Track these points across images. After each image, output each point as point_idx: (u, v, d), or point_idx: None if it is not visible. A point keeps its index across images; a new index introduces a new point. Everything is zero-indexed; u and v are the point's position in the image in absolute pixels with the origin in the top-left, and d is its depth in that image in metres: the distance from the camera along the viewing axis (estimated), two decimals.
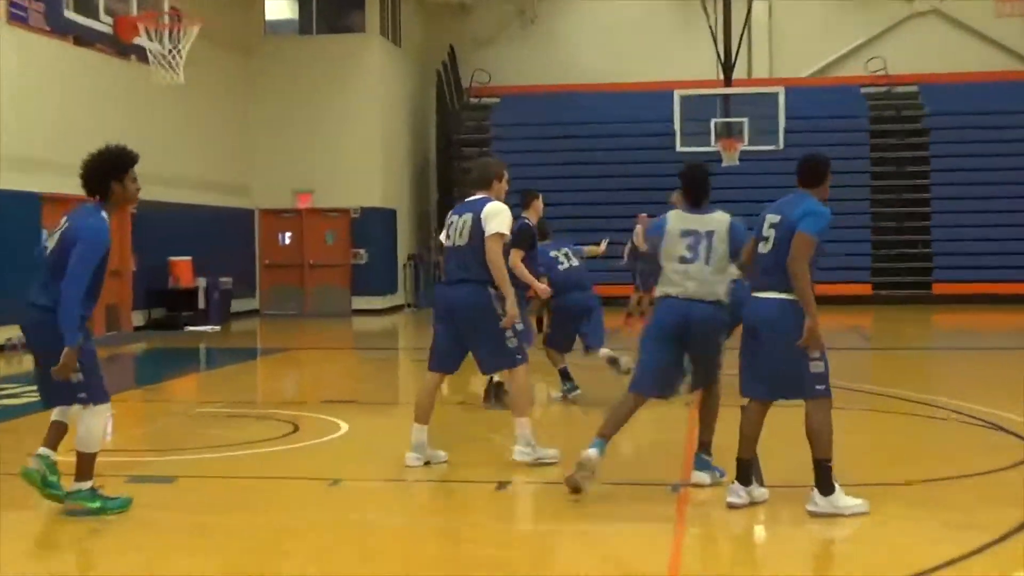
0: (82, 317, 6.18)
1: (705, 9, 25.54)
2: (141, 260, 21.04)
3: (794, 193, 6.66)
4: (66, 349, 6.04)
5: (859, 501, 6.30)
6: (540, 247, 11.00)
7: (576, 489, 6.67)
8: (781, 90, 23.35)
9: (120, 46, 13.89)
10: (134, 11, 12.56)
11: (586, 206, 26.99)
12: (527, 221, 10.63)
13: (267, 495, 7.33)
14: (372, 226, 26.69)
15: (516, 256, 9.72)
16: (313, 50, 26.61)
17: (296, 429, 9.66)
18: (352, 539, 6.22)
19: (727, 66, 25.23)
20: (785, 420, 6.86)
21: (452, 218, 8.02)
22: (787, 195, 6.69)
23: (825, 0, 30.13)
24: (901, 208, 27.74)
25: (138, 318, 21.17)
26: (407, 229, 28.89)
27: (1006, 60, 29.74)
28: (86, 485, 6.37)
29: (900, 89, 29.38)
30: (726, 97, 24.14)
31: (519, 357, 7.83)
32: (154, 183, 21.31)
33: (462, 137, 29.87)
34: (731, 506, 6.50)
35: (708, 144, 23.06)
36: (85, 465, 6.38)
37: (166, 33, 13.18)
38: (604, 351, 11.17)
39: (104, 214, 6.33)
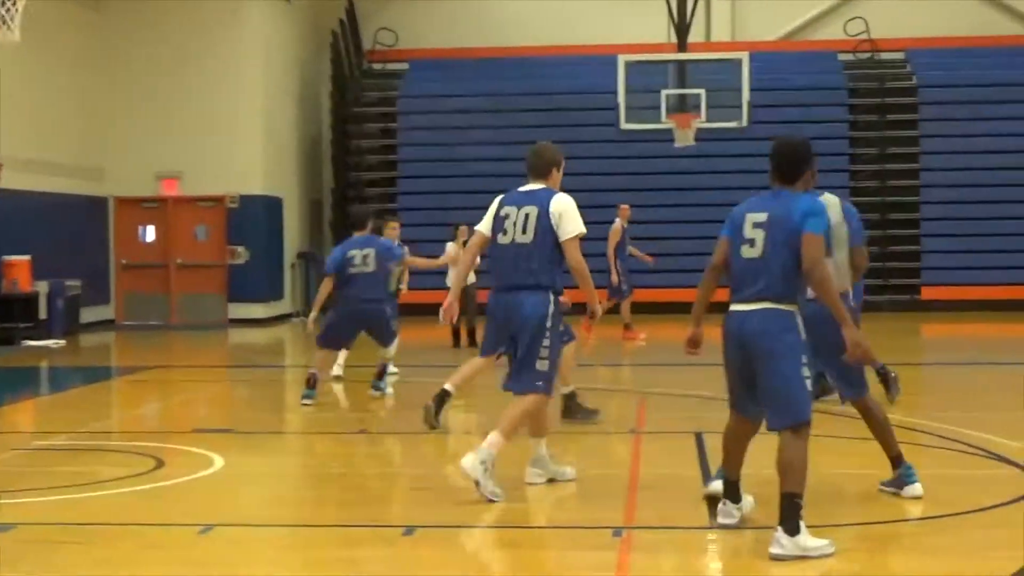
0: None
1: None
2: None
3: (773, 191, 6.84)
4: None
5: (825, 542, 6.43)
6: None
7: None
8: (745, 56, 23.56)
9: None
10: None
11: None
12: None
13: (124, 546, 7.22)
14: (253, 218, 26.53)
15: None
16: (182, 5, 26.35)
17: (160, 465, 9.57)
18: None
19: (681, 28, 25.42)
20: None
21: (507, 209, 8.29)
22: (765, 192, 6.90)
23: None
24: (885, 197, 28.11)
25: None
26: (295, 222, 28.78)
27: (1007, 22, 30.27)
28: None
29: (884, 56, 29.76)
30: (680, 64, 24.31)
31: (540, 384, 8.12)
32: None
33: (362, 110, 29.80)
34: (723, 527, 6.86)
35: (658, 120, 23.23)
36: None
37: None
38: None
39: None
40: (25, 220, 22.04)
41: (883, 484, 7.97)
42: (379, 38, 30.46)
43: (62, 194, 24.10)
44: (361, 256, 13.08)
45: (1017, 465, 8.99)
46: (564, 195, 8.31)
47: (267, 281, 26.88)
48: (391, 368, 14.22)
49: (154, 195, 26.48)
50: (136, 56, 25.95)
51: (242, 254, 26.51)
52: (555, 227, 8.04)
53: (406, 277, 16.41)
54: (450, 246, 19.78)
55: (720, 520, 6.90)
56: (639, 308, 21.51)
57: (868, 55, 29.78)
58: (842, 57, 29.79)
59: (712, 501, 7.26)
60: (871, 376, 8.75)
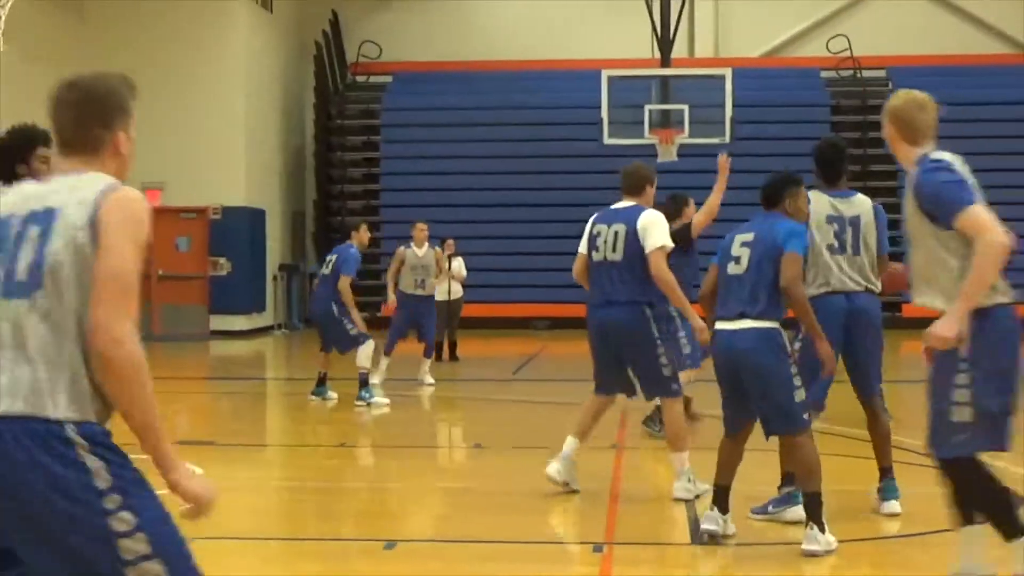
0: None
1: None
2: None
3: (763, 214, 7.18)
4: None
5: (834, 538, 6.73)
6: None
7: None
8: (728, 73, 23.63)
9: None
10: None
11: (497, 208, 27.13)
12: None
13: None
14: (235, 230, 26.48)
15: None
16: (164, 15, 26.32)
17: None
18: None
19: (665, 43, 25.49)
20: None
21: (598, 227, 8.52)
22: (756, 215, 7.21)
23: None
24: None
25: None
26: (278, 234, 28.76)
27: (988, 41, 30.48)
28: None
29: (867, 73, 29.89)
30: (663, 80, 24.38)
31: (675, 387, 8.45)
32: None
33: (345, 123, 29.82)
34: (708, 533, 6.91)
35: (641, 135, 23.26)
36: None
37: None
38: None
39: None
40: None
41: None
42: (363, 50, 30.48)
43: None
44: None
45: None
46: (653, 211, 8.51)
47: (249, 293, 26.84)
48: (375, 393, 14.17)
49: None
50: (118, 65, 25.69)
51: (224, 265, 26.47)
52: (641, 242, 8.20)
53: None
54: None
55: (704, 526, 6.97)
56: None
57: (850, 72, 29.91)
58: (825, 74, 29.93)
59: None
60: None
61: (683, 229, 11.06)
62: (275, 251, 28.41)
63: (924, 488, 9.26)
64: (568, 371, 16.22)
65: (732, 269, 6.95)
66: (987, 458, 5.57)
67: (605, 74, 23.67)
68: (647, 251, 8.20)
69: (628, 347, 8.33)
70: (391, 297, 16.43)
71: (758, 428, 7.01)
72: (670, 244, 8.36)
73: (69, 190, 3.46)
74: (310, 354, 23.19)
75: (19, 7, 13.03)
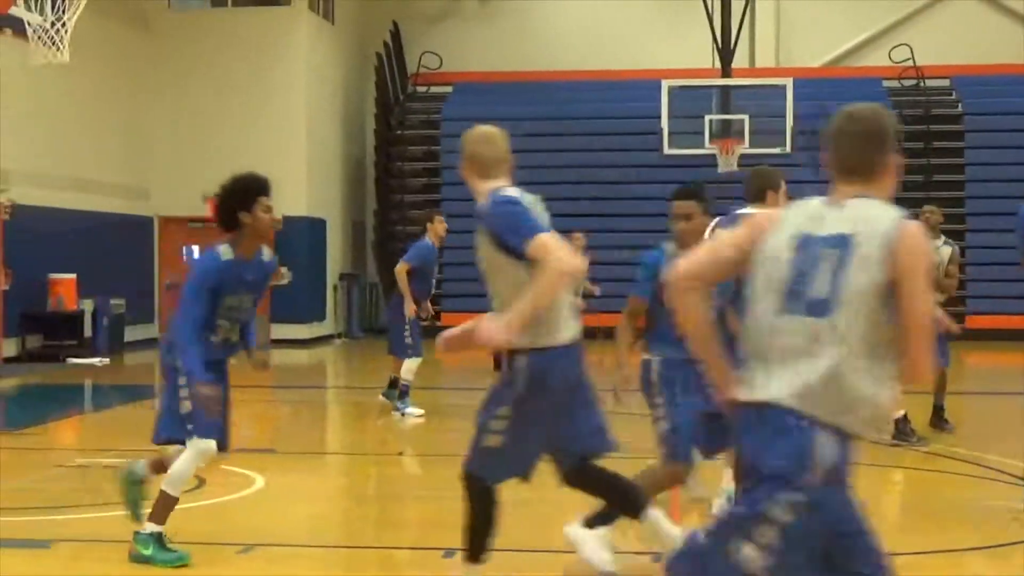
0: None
1: None
2: (15, 277, 20.88)
3: None
4: None
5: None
6: None
7: None
8: (789, 82, 23.56)
9: None
10: None
11: (557, 218, 26.91)
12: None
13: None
14: (296, 239, 26.57)
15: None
16: (227, 27, 26.61)
17: (202, 483, 9.58)
18: None
19: (725, 53, 25.43)
20: None
21: (718, 233, 8.53)
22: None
23: None
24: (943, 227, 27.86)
25: (10, 347, 20.95)
26: (338, 243, 28.87)
27: None
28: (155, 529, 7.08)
29: (930, 83, 29.58)
30: (724, 90, 24.34)
31: None
32: (32, 184, 21.32)
33: (406, 133, 29.90)
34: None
35: (701, 145, 23.24)
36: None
37: (48, 2, 13.17)
38: None
39: (222, 249, 7.29)
40: (71, 239, 22.20)
41: None
42: (423, 61, 30.56)
43: (108, 213, 24.28)
44: None
45: None
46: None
47: (310, 302, 26.93)
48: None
49: (198, 215, 26.56)
50: (183, 78, 26.13)
51: (285, 275, 26.56)
52: None
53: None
54: None
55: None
56: None
57: (913, 82, 29.64)
58: (887, 84, 29.67)
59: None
60: None
61: None
62: (335, 261, 28.52)
63: (993, 501, 9.19)
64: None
65: None
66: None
67: (665, 84, 23.66)
68: None
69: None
70: None
71: None
72: None
73: (859, 217, 3.91)
74: (370, 363, 23.28)
75: (84, 19, 13.15)
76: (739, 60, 26.89)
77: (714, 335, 4.17)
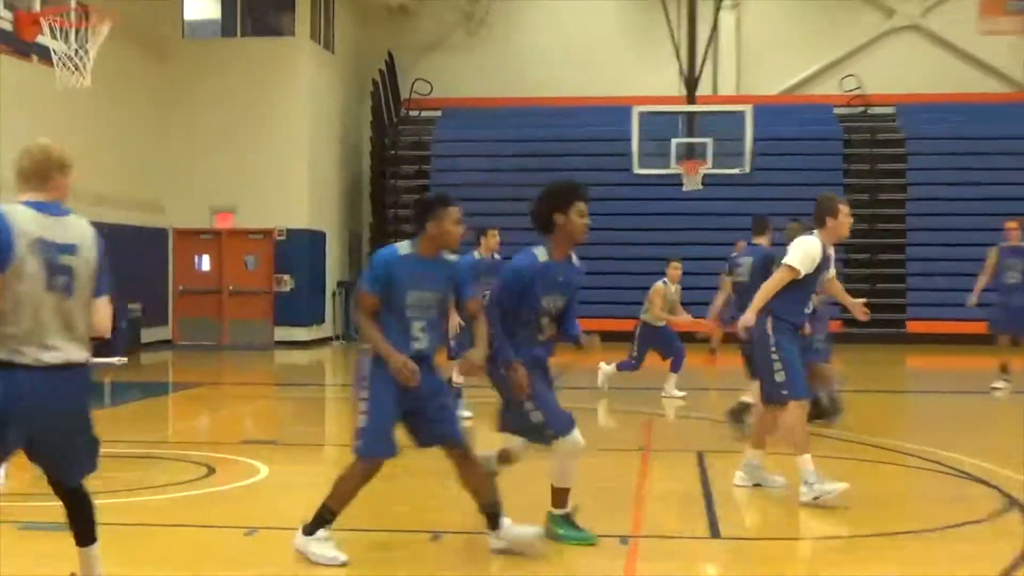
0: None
1: (668, 19, 25.79)
2: None
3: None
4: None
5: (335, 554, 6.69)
6: None
7: None
8: (749, 109, 23.60)
9: (21, 44, 13.79)
10: (37, 6, 12.54)
11: (533, 231, 27.12)
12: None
13: (177, 545, 7.28)
14: (298, 250, 26.60)
15: None
16: (236, 54, 26.58)
17: (211, 472, 9.60)
18: None
19: (691, 82, 25.53)
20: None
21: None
22: None
23: (797, 13, 30.61)
24: (875, 239, 28.03)
25: None
26: (336, 254, 28.85)
27: (990, 80, 30.32)
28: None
29: (876, 110, 29.81)
30: (689, 115, 24.41)
31: (785, 393, 8.31)
32: None
33: (399, 153, 29.93)
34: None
35: (668, 166, 23.27)
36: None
37: (72, 31, 13.16)
38: None
39: (537, 251, 7.06)
40: None
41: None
42: (415, 88, 30.61)
43: (126, 225, 24.20)
44: None
45: (989, 484, 8.98)
46: (805, 238, 8.44)
47: (310, 307, 26.92)
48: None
49: (209, 227, 26.59)
50: (195, 101, 26.09)
51: (288, 282, 26.57)
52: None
53: None
54: None
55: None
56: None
57: (861, 109, 29.82)
58: (837, 111, 29.83)
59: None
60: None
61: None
62: (333, 269, 28.49)
63: (924, 489, 9.25)
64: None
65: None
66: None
67: (636, 110, 23.68)
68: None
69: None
70: None
71: None
72: (791, 263, 8.29)
73: None
74: None
75: (105, 47, 13.15)
76: (703, 88, 26.99)
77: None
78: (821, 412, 11.38)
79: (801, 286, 8.23)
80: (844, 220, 8.43)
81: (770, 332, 8.26)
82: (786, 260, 8.28)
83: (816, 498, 7.97)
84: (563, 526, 7.02)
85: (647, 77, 29.08)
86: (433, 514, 8.38)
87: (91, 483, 9.38)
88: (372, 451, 6.65)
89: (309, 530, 6.60)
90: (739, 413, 11.43)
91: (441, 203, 7.09)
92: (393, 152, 29.85)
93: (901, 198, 28.40)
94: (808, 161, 27.67)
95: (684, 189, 23.44)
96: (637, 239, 25.52)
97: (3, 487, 8.60)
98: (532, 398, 6.78)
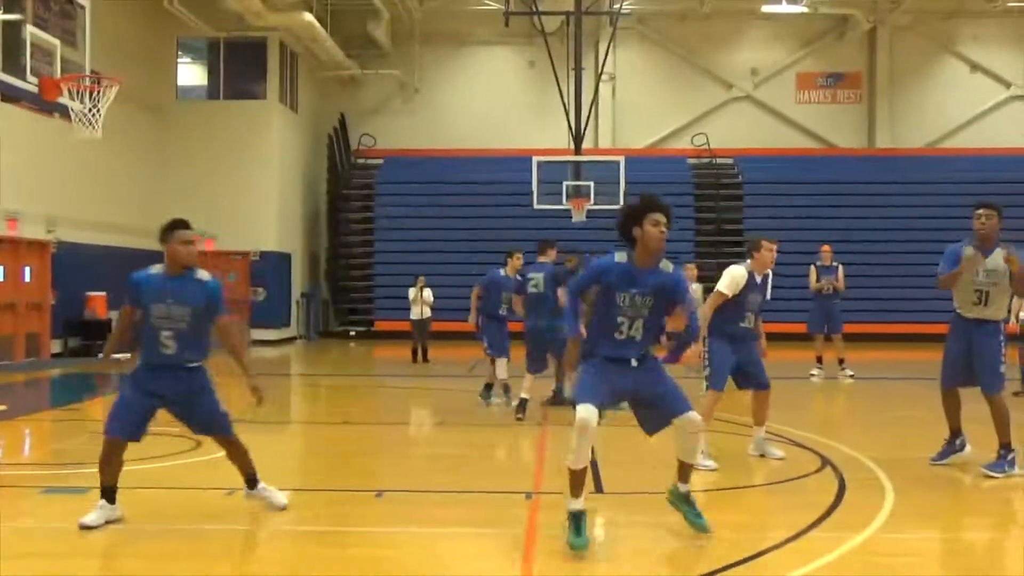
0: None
1: (560, 90, 25.95)
2: (60, 294, 20.33)
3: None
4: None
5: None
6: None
7: None
8: (622, 159, 23.77)
9: (44, 104, 13.48)
10: (58, 72, 12.21)
11: (459, 253, 27.08)
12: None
13: (171, 503, 7.15)
14: (269, 268, 26.32)
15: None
16: (219, 113, 26.21)
17: (198, 445, 9.42)
18: (241, 542, 6.10)
19: (577, 137, 25.66)
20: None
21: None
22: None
23: (658, 85, 30.96)
24: (720, 260, 28.19)
25: (56, 346, 20.42)
26: (300, 270, 28.56)
27: (805, 139, 30.98)
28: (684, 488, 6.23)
29: (719, 161, 30.20)
30: (576, 163, 24.52)
31: (706, 384, 8.50)
32: (73, 226, 20.82)
33: (349, 192, 29.72)
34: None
35: (560, 203, 23.35)
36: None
37: (86, 93, 12.85)
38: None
39: (617, 255, 6.03)
40: (102, 267, 21.67)
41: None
42: (362, 141, 30.45)
43: (130, 248, 23.71)
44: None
45: (809, 449, 9.08)
46: (733, 267, 8.51)
47: (279, 313, 26.64)
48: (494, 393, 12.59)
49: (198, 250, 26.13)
50: (186, 149, 25.70)
51: (261, 293, 26.24)
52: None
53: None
54: (411, 291, 19.92)
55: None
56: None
57: (708, 160, 30.21)
58: (690, 161, 30.21)
59: None
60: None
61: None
62: (298, 283, 28.20)
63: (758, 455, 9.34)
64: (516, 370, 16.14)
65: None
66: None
67: (535, 159, 23.78)
68: None
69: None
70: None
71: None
72: (720, 289, 8.41)
73: None
74: (323, 358, 23.07)
75: (114, 106, 12.85)
76: (587, 142, 27.14)
77: None
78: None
79: (733, 304, 8.32)
80: (766, 254, 8.55)
81: (707, 337, 8.36)
82: (717, 286, 8.39)
83: (762, 455, 8.58)
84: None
85: (543, 133, 29.24)
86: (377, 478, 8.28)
87: (99, 455, 9.13)
88: (112, 430, 6.46)
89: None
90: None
91: (171, 227, 6.59)
92: (345, 191, 29.62)
93: (739, 228, 28.77)
94: (667, 199, 27.51)
95: (572, 221, 23.52)
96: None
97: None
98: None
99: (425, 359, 19.51)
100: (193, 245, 6.51)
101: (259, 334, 25.73)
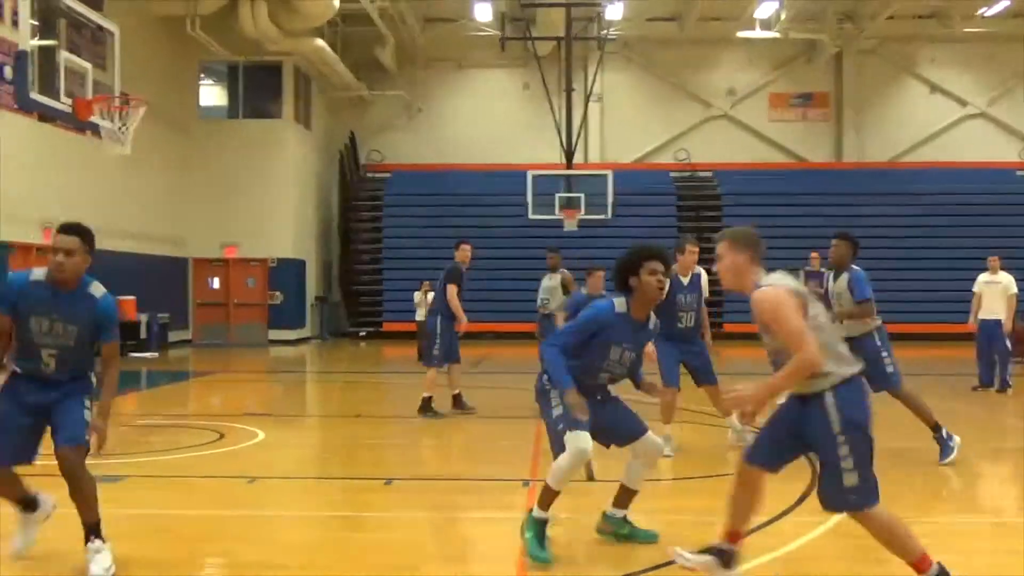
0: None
1: (552, 109, 26.02)
2: None
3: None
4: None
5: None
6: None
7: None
8: (610, 173, 23.84)
9: (78, 123, 13.48)
10: (89, 94, 12.23)
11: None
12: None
13: (197, 491, 7.15)
14: (286, 273, 26.33)
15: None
16: (238, 131, 26.23)
17: (222, 436, 9.46)
18: (265, 528, 6.12)
19: (569, 152, 25.69)
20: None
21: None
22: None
23: (643, 104, 30.99)
24: (701, 264, 28.26)
25: None
26: (314, 275, 28.56)
27: (778, 154, 31.03)
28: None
29: (700, 174, 30.22)
30: (568, 177, 24.54)
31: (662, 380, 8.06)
32: (104, 235, 20.72)
33: (359, 203, 29.74)
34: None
35: (553, 213, 23.37)
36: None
37: (116, 113, 12.86)
38: None
39: (615, 303, 5.29)
40: (132, 272, 21.68)
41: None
42: (371, 156, 30.49)
43: (157, 255, 23.78)
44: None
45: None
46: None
47: (295, 315, 26.63)
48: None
49: (219, 257, 26.17)
50: (208, 163, 25.71)
51: (278, 296, 26.25)
52: None
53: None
54: (416, 294, 19.93)
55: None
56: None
57: (689, 173, 30.24)
58: (673, 174, 30.22)
59: None
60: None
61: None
62: (312, 287, 28.20)
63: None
64: (513, 367, 16.21)
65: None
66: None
67: (530, 173, 23.82)
68: None
69: None
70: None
71: None
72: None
73: None
74: (336, 357, 23.07)
75: (142, 125, 12.87)
76: (578, 157, 27.22)
77: None
78: None
79: (665, 306, 8.15)
80: (689, 256, 8.66)
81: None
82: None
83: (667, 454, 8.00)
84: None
85: (537, 149, 29.24)
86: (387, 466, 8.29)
87: (132, 446, 9.16)
88: None
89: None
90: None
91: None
92: (355, 202, 29.65)
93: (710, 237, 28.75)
94: (652, 210, 27.95)
95: (564, 230, 23.52)
96: (532, 266, 25.52)
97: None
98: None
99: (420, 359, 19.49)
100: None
101: (277, 335, 25.77)
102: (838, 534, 5.64)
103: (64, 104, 11.76)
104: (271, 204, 25.97)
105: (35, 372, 4.90)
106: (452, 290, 10.73)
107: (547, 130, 27.60)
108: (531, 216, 23.62)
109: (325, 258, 29.95)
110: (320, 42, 25.41)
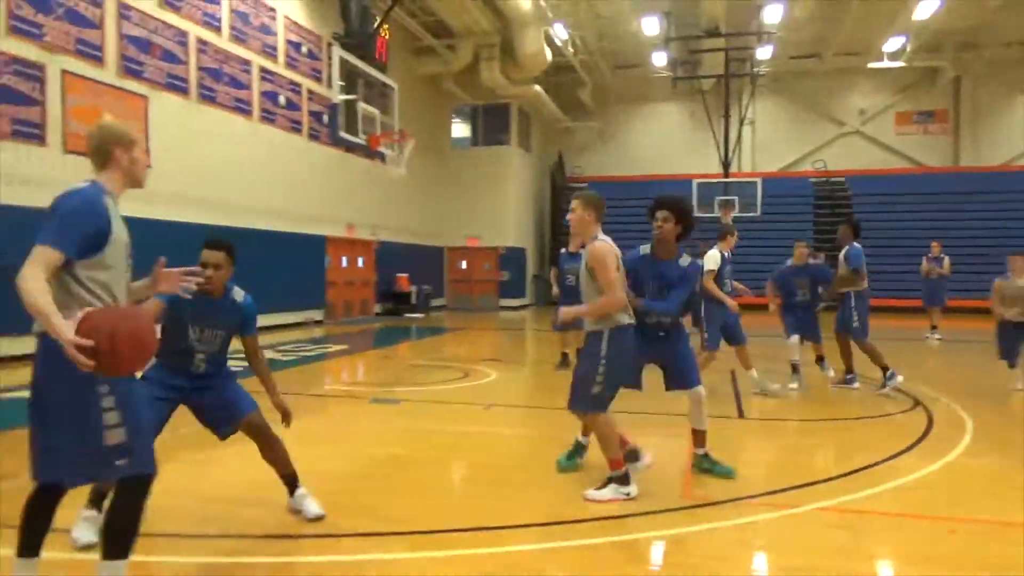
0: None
1: (713, 130, 25.11)
2: (379, 275, 21.49)
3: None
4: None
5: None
6: None
7: None
8: (759, 180, 22.82)
9: (370, 152, 14.30)
10: (378, 131, 12.94)
11: (632, 250, 26.65)
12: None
13: (450, 413, 7.34)
14: (511, 257, 26.79)
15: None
16: (478, 155, 26.86)
17: (466, 375, 9.70)
18: (495, 440, 6.28)
19: (725, 164, 24.74)
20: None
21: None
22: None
23: (787, 124, 29.28)
24: (835, 262, 26.60)
25: (378, 308, 21.54)
26: (531, 259, 28.90)
27: (902, 161, 28.51)
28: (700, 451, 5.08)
29: (834, 180, 28.36)
30: (726, 183, 23.70)
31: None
32: (387, 231, 21.95)
33: (565, 207, 29.75)
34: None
35: (713, 211, 22.65)
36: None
37: (396, 145, 13.52)
38: None
39: (642, 248, 4.96)
40: (406, 256, 22.78)
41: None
42: (573, 171, 30.49)
43: (423, 245, 24.70)
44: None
45: (906, 393, 8.35)
46: (711, 250, 7.83)
47: (517, 288, 27.00)
48: None
49: (465, 246, 26.95)
50: (457, 179, 26.41)
51: (506, 275, 26.78)
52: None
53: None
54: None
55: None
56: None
57: (825, 179, 28.42)
58: (811, 181, 28.49)
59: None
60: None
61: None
62: (530, 267, 28.55)
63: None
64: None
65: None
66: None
67: (694, 181, 23.19)
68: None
69: None
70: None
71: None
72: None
73: None
74: (547, 318, 22.97)
75: (413, 153, 13.41)
76: (733, 168, 26.12)
77: None
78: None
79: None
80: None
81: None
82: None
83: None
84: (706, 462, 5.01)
85: (701, 162, 28.30)
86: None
87: (405, 380, 9.60)
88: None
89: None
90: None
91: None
92: (563, 206, 29.76)
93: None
94: (793, 210, 26.46)
95: (721, 223, 22.71)
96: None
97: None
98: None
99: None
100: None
101: (505, 302, 26.33)
102: (946, 472, 5.21)
103: (361, 139, 12.52)
104: (501, 207, 26.52)
105: (183, 369, 4.08)
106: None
107: (708, 147, 26.66)
108: (695, 214, 22.93)
109: (539, 246, 30.33)
110: (537, 88, 25.62)
